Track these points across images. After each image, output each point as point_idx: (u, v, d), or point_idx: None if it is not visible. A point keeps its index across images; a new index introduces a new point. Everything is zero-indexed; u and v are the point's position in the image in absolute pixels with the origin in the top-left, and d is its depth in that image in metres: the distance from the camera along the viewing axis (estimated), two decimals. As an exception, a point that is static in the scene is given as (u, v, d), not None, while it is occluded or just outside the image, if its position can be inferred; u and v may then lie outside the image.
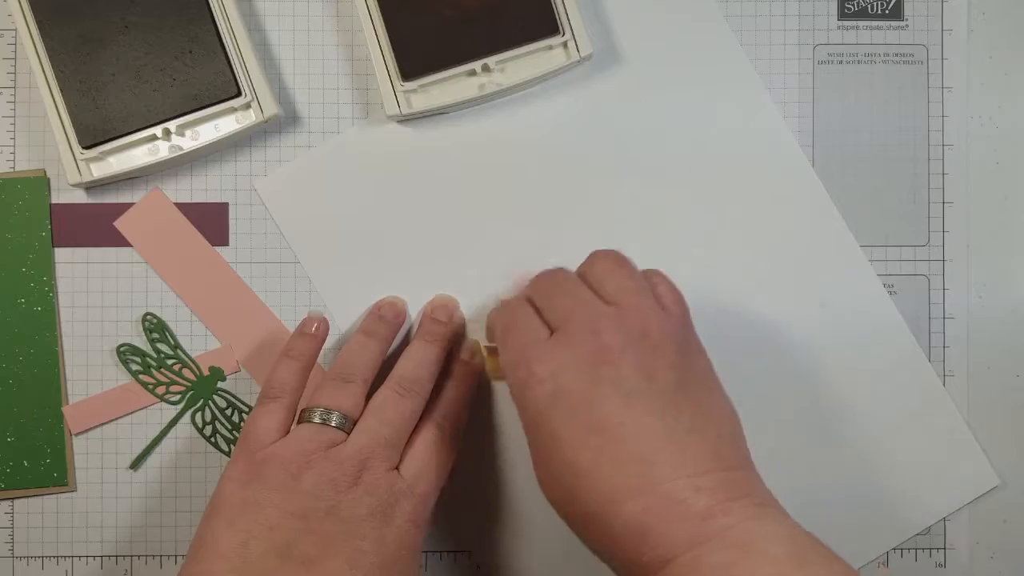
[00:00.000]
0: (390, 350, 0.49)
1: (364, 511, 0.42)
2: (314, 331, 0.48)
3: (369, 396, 0.46)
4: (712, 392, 0.41)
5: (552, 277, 0.44)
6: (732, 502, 0.37)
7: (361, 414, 0.45)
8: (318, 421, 0.44)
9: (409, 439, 0.45)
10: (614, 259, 0.43)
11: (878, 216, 0.51)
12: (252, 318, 0.51)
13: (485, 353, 0.50)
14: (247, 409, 0.51)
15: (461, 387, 0.49)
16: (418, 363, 0.47)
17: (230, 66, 0.48)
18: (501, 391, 0.51)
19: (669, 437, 0.38)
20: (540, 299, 0.43)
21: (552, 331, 0.41)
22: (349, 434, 0.44)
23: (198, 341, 0.51)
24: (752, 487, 0.39)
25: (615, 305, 0.41)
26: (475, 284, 0.51)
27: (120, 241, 0.50)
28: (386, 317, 0.49)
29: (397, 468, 0.44)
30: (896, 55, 0.52)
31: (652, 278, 0.43)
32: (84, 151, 0.48)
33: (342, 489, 0.42)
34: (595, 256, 0.44)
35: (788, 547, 0.36)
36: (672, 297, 0.43)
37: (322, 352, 0.49)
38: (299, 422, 0.45)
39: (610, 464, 0.38)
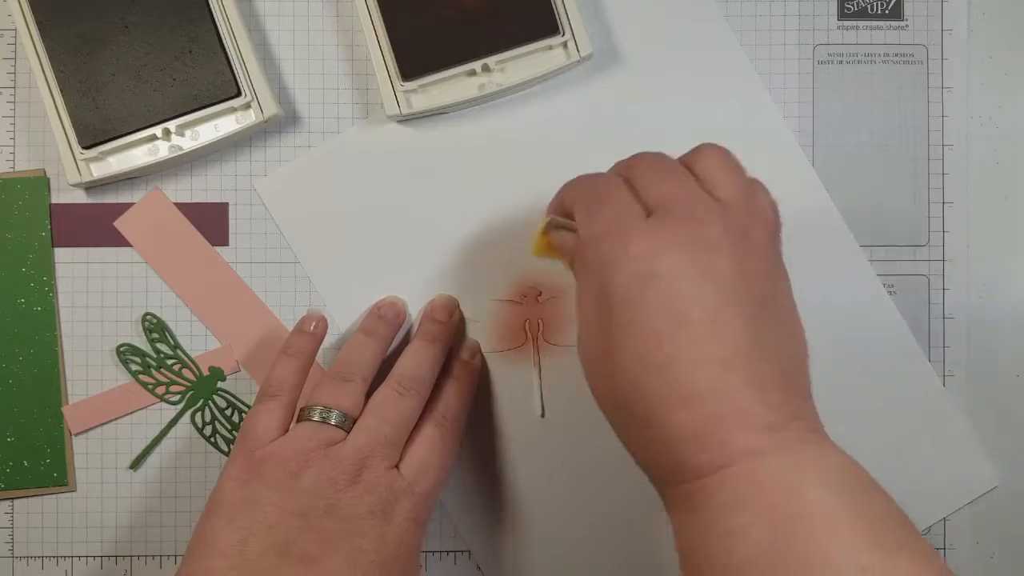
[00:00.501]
0: (390, 350, 0.49)
1: (364, 509, 0.42)
2: (312, 329, 0.48)
3: (369, 396, 0.46)
4: (792, 315, 0.39)
5: (656, 158, 0.40)
6: (794, 420, 0.36)
7: (361, 413, 0.45)
8: (317, 419, 0.44)
9: (409, 438, 0.45)
10: (725, 154, 0.40)
11: (878, 216, 0.51)
12: (252, 318, 0.51)
13: (541, 228, 0.42)
14: (247, 409, 0.51)
15: (461, 387, 0.49)
16: (418, 362, 0.47)
17: (230, 66, 0.48)
18: (501, 391, 0.51)
19: (751, 345, 0.36)
20: (641, 178, 0.39)
21: (648, 213, 0.38)
22: (349, 433, 0.44)
23: (198, 341, 0.51)
24: (810, 414, 0.37)
25: (721, 201, 0.38)
26: (475, 284, 0.51)
27: (120, 241, 0.50)
28: (386, 317, 0.49)
29: (397, 467, 0.44)
30: (896, 55, 0.52)
31: (754, 184, 0.41)
32: (84, 151, 0.48)
33: (341, 487, 0.42)
34: (704, 148, 0.40)
35: (841, 472, 0.35)
36: (772, 209, 0.40)
37: (321, 351, 0.49)
38: (298, 420, 0.45)
39: (688, 363, 0.35)
